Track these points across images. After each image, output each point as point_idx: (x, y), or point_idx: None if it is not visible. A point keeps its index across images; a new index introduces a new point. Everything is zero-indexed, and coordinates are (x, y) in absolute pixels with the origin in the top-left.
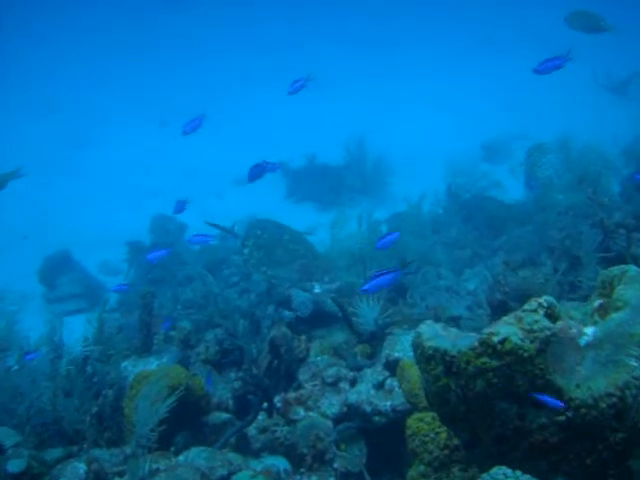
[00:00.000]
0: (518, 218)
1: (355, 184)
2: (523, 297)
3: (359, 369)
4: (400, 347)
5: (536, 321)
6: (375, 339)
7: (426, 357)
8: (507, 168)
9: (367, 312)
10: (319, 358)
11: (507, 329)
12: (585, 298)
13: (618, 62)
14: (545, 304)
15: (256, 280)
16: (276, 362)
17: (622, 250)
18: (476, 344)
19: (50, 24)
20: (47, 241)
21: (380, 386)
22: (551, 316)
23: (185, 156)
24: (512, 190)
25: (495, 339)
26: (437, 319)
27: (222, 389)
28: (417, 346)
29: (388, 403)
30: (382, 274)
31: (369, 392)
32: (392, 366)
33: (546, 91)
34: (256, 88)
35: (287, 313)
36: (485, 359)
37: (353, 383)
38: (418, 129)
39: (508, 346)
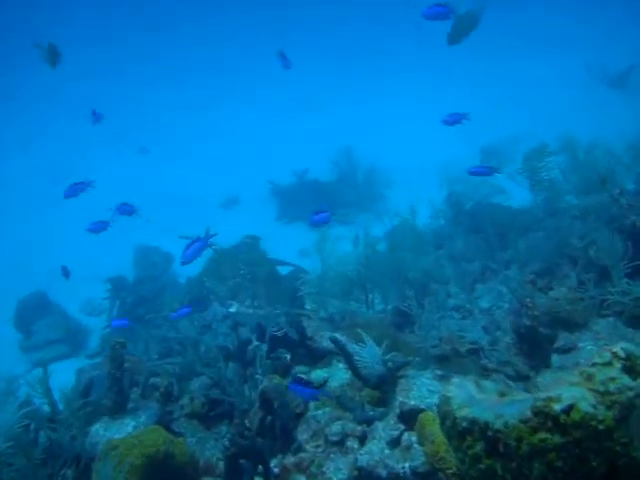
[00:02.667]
0: (527, 225)
1: (349, 199)
2: (555, 322)
3: (369, 422)
4: (416, 393)
5: (612, 379)
6: (385, 383)
7: (460, 431)
8: (510, 172)
9: (372, 352)
10: (320, 412)
11: (572, 392)
12: (620, 314)
13: (611, 54)
14: (622, 354)
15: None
16: (270, 418)
17: None
18: (530, 414)
19: (24, 53)
20: (27, 280)
21: (396, 443)
22: (631, 370)
23: (168, 182)
24: (516, 195)
25: (557, 407)
26: (455, 353)
27: (211, 447)
28: (446, 415)
29: (407, 464)
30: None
31: (383, 451)
32: (408, 417)
33: (543, 90)
34: (240, 108)
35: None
36: (544, 435)
37: (362, 440)
38: (413, 137)
39: (576, 416)
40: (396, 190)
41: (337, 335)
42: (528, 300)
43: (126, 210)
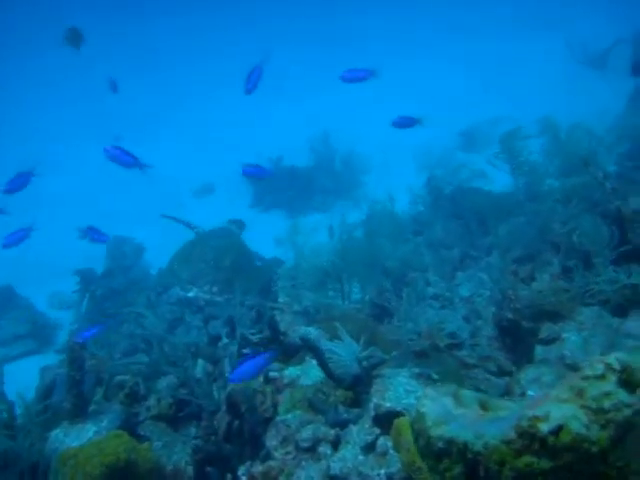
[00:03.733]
0: (509, 209)
1: (326, 185)
2: (539, 315)
3: (342, 425)
4: (392, 394)
5: (607, 394)
6: (360, 384)
7: (435, 452)
8: (489, 155)
9: (347, 349)
10: (290, 415)
11: (561, 410)
12: (604, 303)
13: (593, 33)
14: (617, 365)
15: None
16: (237, 423)
17: None
18: (514, 435)
19: None
20: None
21: (370, 448)
22: (628, 383)
23: (140, 171)
24: (497, 179)
25: (544, 428)
26: (434, 348)
27: (180, 451)
28: (419, 433)
29: (382, 471)
30: (253, 357)
31: (357, 458)
32: (383, 420)
33: (523, 71)
34: (214, 94)
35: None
36: (529, 458)
37: (336, 445)
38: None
39: (566, 438)
40: (374, 176)
41: (310, 330)
42: (510, 292)
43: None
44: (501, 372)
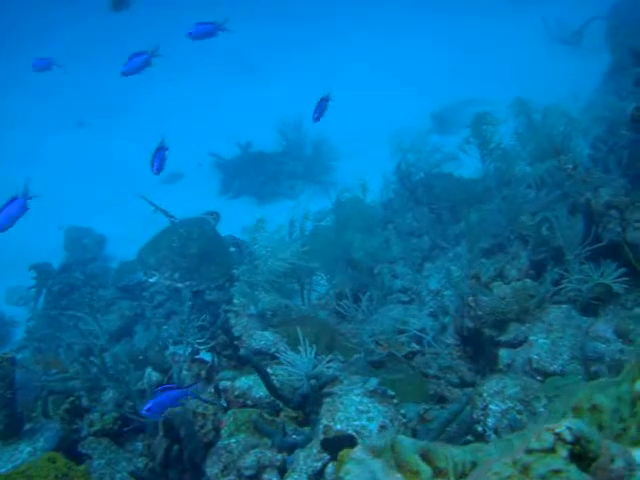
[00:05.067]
0: (479, 196)
1: (296, 170)
2: (502, 323)
3: (290, 449)
4: (343, 415)
5: (556, 472)
6: (309, 403)
7: None
8: (462, 138)
9: (298, 363)
10: (233, 440)
11: None
12: (573, 302)
13: (572, 11)
14: (569, 436)
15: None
16: (176, 448)
17: (616, 237)
18: None
19: None
20: None
21: (318, 476)
22: (582, 457)
23: (104, 158)
24: (469, 163)
25: None
26: (392, 358)
27: (124, 469)
28: None
29: None
30: (167, 390)
31: None
32: (333, 444)
33: (497, 50)
34: (179, 77)
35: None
36: None
37: (282, 471)
38: (363, 104)
39: None
40: (346, 160)
41: (266, 335)
42: (470, 299)
43: None
44: (463, 383)
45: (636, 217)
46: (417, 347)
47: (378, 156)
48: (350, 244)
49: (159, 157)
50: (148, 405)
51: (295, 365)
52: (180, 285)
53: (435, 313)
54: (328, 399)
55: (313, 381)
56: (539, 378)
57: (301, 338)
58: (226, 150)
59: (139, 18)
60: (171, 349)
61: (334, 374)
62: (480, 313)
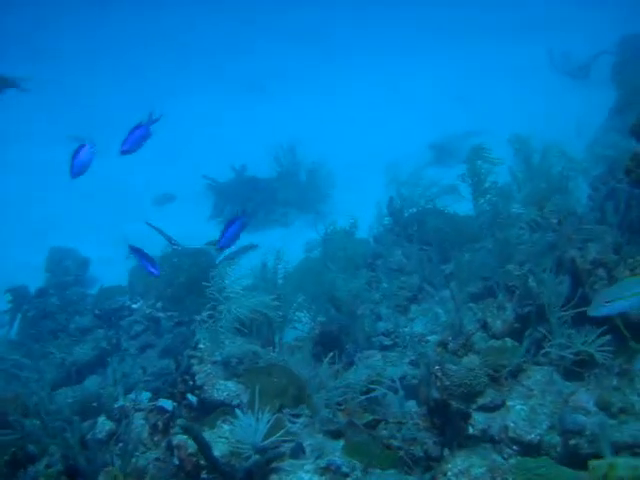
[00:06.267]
0: (472, 236)
1: (290, 197)
2: (470, 396)
3: None
4: None
5: None
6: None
7: None
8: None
9: (247, 432)
10: None
11: None
12: (556, 365)
13: (577, 43)
14: None
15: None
16: None
17: None
18: None
19: None
20: None
21: None
22: None
23: (95, 177)
24: (469, 196)
25: None
26: (352, 426)
27: None
28: None
29: None
30: None
31: None
32: None
33: (501, 81)
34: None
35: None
36: None
37: None
38: (363, 130)
39: None
40: (342, 188)
41: (229, 385)
42: (437, 368)
43: None
44: (428, 457)
45: (625, 277)
46: (380, 417)
47: (375, 184)
48: (333, 283)
49: (135, 134)
50: None
51: (244, 431)
52: (161, 315)
53: (416, 362)
54: (274, 476)
55: (257, 456)
56: (515, 448)
57: (257, 399)
58: (221, 172)
59: (142, 28)
60: (121, 401)
61: (280, 451)
62: (447, 383)
